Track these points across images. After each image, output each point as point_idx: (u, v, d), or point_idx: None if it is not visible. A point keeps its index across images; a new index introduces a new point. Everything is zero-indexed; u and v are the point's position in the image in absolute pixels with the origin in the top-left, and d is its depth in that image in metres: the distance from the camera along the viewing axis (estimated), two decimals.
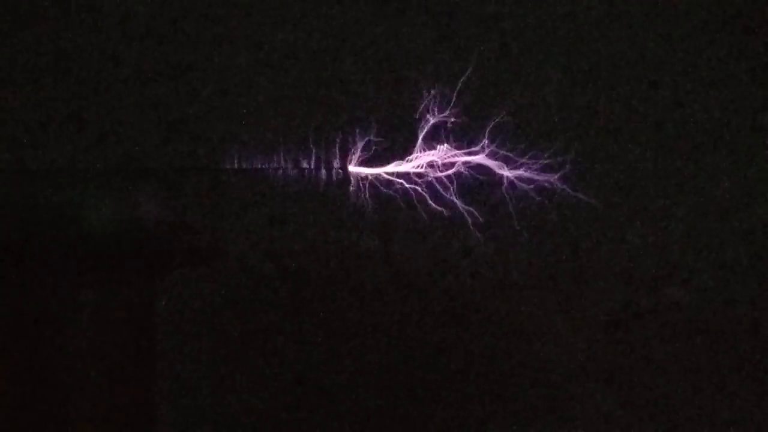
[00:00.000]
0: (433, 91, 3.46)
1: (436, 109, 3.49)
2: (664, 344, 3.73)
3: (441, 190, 3.52)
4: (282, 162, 3.42)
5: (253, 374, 3.70)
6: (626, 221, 3.73)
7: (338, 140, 3.53)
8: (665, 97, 3.72)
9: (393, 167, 3.35)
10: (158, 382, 3.52)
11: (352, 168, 3.33)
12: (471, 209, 3.61)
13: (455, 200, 3.55)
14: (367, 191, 3.43)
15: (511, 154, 3.61)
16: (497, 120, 3.56)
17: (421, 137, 3.46)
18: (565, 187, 3.64)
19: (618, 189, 3.72)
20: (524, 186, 3.62)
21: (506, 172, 3.51)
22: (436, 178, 3.45)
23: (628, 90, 3.72)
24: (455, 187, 3.54)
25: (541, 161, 3.64)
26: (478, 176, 3.55)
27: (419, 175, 3.45)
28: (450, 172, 3.46)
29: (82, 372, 2.82)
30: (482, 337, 3.72)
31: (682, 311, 3.73)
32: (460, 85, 3.52)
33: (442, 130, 3.50)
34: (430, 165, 3.42)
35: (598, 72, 3.71)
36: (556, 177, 3.63)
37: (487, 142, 3.51)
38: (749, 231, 3.71)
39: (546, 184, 3.65)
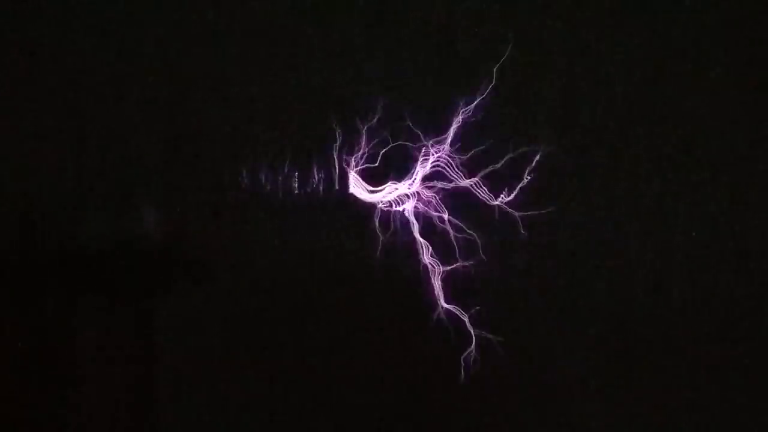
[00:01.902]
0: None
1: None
2: (664, 344, 3.74)
3: (442, 190, 3.52)
4: (282, 170, 3.42)
5: (254, 379, 3.72)
6: (626, 221, 3.73)
7: (339, 145, 3.53)
8: (665, 97, 3.71)
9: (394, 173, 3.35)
10: (159, 389, 3.53)
11: (353, 172, 3.33)
12: (471, 209, 3.61)
13: (455, 200, 3.56)
14: (368, 195, 3.43)
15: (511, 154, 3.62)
16: (497, 118, 3.56)
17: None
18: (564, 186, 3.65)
19: (617, 193, 3.71)
20: (524, 185, 3.62)
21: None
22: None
23: (628, 90, 3.71)
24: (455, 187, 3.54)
25: (541, 161, 3.64)
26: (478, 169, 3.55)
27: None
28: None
29: (82, 381, 2.84)
30: (482, 339, 3.73)
31: (681, 311, 3.74)
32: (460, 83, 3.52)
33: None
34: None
35: (597, 72, 3.70)
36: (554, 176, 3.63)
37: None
38: (749, 234, 3.72)
39: (546, 184, 3.66)
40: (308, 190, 3.24)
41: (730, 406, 3.75)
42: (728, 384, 3.74)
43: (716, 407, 3.75)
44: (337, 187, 3.19)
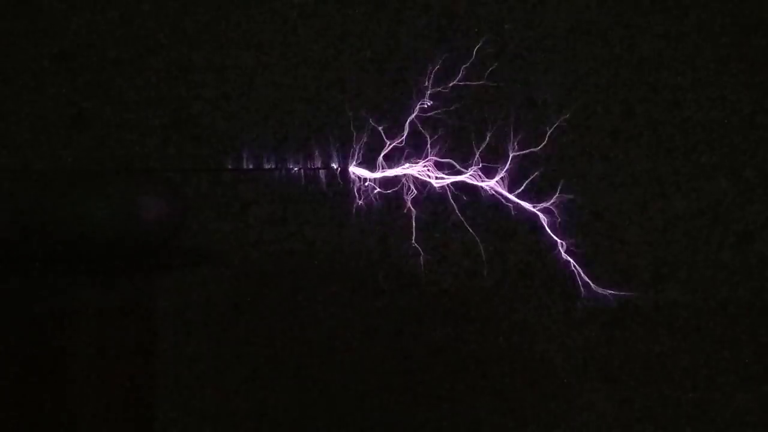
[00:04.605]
0: (429, 92, 3.46)
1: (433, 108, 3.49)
2: (663, 344, 3.74)
3: (441, 189, 3.52)
4: (282, 162, 3.42)
5: (253, 374, 3.70)
6: (626, 221, 3.73)
7: (339, 140, 3.53)
8: (664, 97, 3.72)
9: (394, 167, 3.35)
10: (158, 382, 3.52)
11: (353, 168, 3.33)
12: (471, 209, 3.61)
13: (455, 200, 3.56)
14: (367, 191, 3.43)
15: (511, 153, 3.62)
16: (494, 119, 3.56)
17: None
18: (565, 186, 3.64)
19: (618, 189, 3.72)
20: (523, 184, 3.62)
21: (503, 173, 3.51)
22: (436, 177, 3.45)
23: (627, 90, 3.72)
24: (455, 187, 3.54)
25: (540, 161, 3.65)
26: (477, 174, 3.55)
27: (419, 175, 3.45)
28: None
29: (81, 372, 2.82)
30: (482, 337, 3.72)
31: (681, 311, 3.73)
32: (457, 83, 3.53)
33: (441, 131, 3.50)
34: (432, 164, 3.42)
35: (597, 72, 3.71)
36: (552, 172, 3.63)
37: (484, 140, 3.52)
38: (748, 231, 3.72)
39: (545, 184, 3.65)
40: (306, 173, 3.24)
41: (731, 396, 3.74)
42: (728, 374, 3.74)
43: (716, 398, 3.74)
44: (337, 168, 3.18)
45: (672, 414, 3.73)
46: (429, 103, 3.34)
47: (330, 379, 3.71)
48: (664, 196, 3.72)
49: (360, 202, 3.28)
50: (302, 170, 3.35)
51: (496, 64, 3.60)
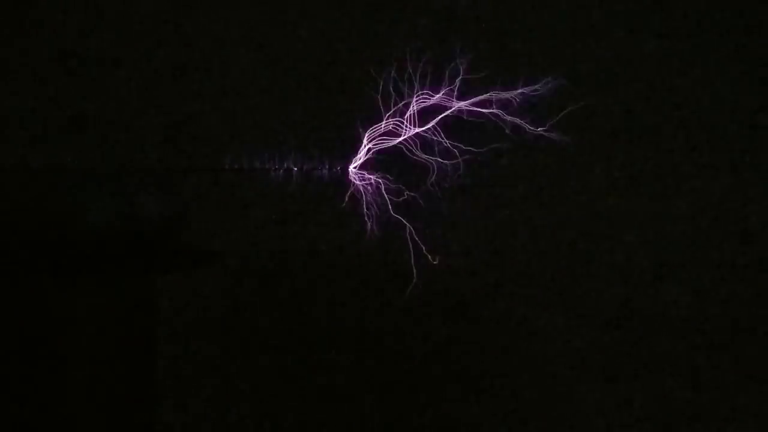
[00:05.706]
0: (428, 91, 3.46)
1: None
2: (663, 344, 3.74)
3: (442, 191, 3.52)
4: (282, 162, 3.42)
5: (254, 374, 3.70)
6: (625, 221, 3.73)
7: (338, 140, 3.53)
8: (664, 98, 3.72)
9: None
10: (158, 382, 3.52)
11: (353, 168, 3.33)
12: (470, 209, 3.61)
13: (455, 201, 3.56)
14: (367, 191, 3.43)
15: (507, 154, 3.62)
16: (492, 119, 3.56)
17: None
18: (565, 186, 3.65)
19: (617, 189, 3.72)
20: (522, 185, 3.62)
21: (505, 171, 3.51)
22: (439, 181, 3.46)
23: (627, 90, 3.72)
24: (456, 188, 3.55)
25: (538, 162, 3.65)
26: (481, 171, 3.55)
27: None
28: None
29: (81, 372, 2.82)
30: (482, 337, 3.73)
31: (681, 311, 3.74)
32: (458, 83, 3.53)
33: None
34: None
35: (596, 72, 3.72)
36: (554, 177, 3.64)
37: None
38: (748, 231, 3.72)
39: (544, 184, 3.66)
40: (306, 173, 3.24)
41: (731, 396, 3.74)
42: (728, 375, 3.74)
43: (714, 397, 3.75)
44: (337, 168, 3.19)
45: (672, 414, 3.74)
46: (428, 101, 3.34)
47: (330, 378, 3.72)
48: (664, 196, 3.73)
49: (362, 202, 3.29)
50: (302, 170, 3.36)
51: (494, 64, 3.60)
